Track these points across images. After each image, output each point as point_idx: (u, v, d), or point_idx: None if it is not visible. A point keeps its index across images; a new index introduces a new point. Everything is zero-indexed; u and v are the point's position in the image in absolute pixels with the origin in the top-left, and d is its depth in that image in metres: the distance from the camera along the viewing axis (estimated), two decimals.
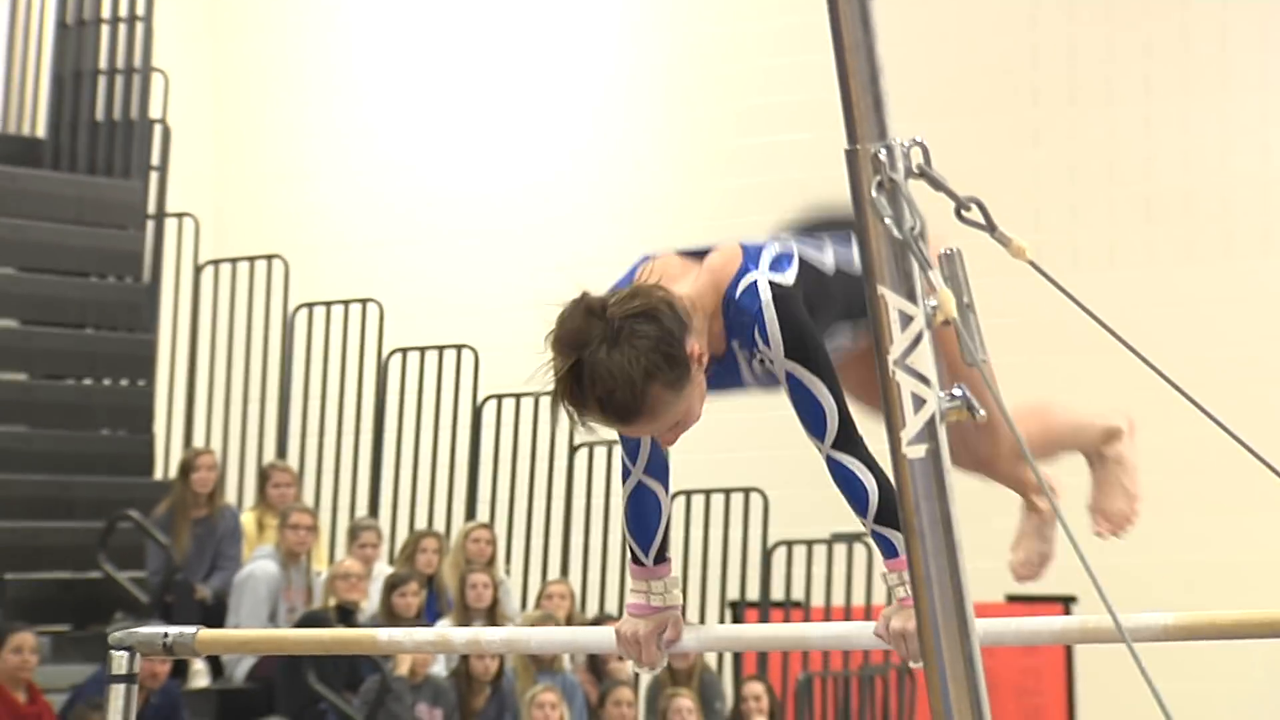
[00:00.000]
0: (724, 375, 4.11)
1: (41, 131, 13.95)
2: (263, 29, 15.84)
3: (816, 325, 4.08)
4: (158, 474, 13.47)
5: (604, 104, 15.02)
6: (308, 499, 13.61)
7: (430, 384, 14.27)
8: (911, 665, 4.15)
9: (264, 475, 13.20)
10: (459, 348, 14.28)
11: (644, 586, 4.31)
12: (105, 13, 13.87)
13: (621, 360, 3.85)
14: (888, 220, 2.62)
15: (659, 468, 4.24)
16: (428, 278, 15.05)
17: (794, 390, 4.02)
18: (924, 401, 2.57)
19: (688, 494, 13.51)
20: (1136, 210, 13.28)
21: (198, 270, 14.32)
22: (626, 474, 4.26)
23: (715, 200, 14.60)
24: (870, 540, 4.11)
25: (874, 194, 2.63)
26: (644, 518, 4.27)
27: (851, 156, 2.67)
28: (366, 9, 15.54)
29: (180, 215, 14.14)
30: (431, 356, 14.34)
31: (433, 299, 14.90)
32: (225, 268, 14.43)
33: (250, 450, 14.28)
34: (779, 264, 4.07)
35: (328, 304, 14.43)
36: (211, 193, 15.52)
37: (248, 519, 12.95)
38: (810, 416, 4.02)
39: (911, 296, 2.62)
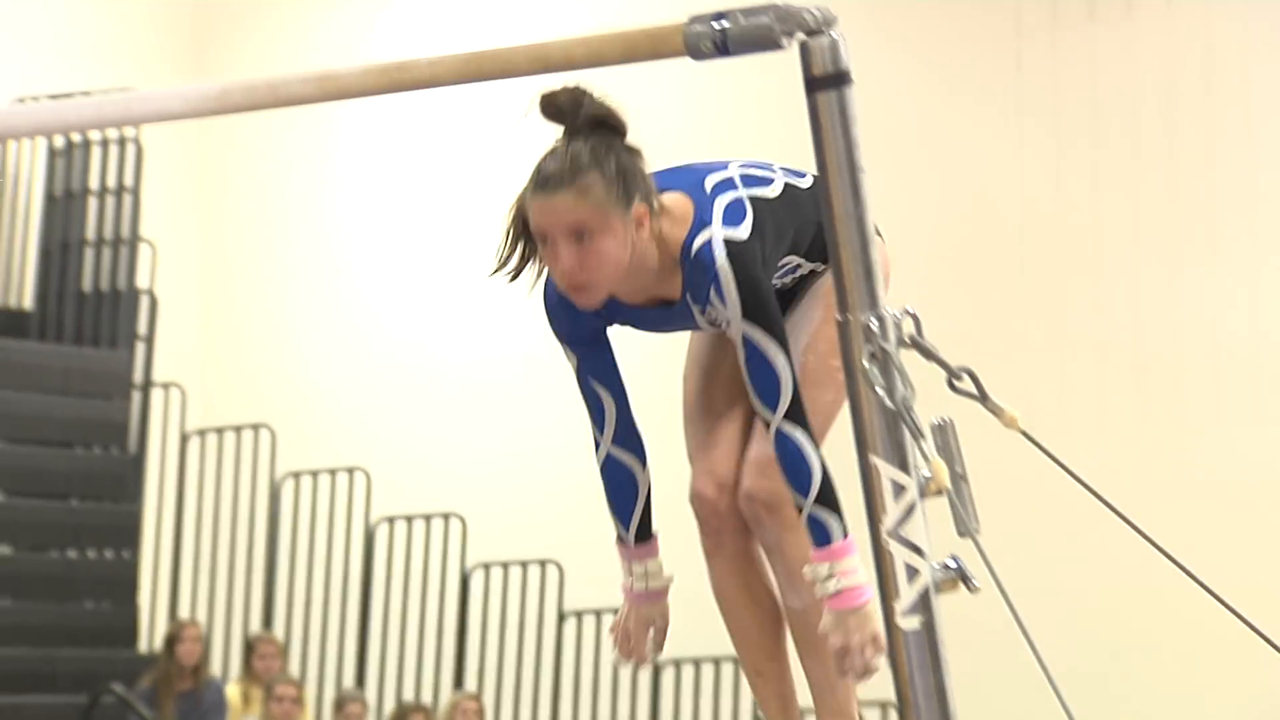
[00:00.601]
0: (675, 319, 4.11)
1: (29, 303, 13.97)
2: (250, 200, 15.88)
3: (769, 262, 4.06)
4: (142, 646, 13.40)
5: None
6: (293, 670, 13.54)
7: (418, 553, 14.23)
8: (856, 677, 3.95)
9: (249, 646, 13.14)
10: (447, 516, 14.25)
11: (627, 568, 4.29)
12: (94, 184, 13.93)
13: (580, 144, 3.90)
14: (879, 390, 2.63)
15: (629, 438, 4.23)
16: (415, 446, 15.01)
17: (750, 356, 3.96)
18: (917, 573, 2.57)
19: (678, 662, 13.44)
20: (1126, 379, 13.28)
21: (184, 440, 14.31)
22: (597, 447, 4.25)
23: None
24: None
25: (866, 364, 2.64)
26: (617, 491, 4.25)
27: (843, 327, 2.67)
28: (353, 182, 15.58)
29: (167, 385, 14.15)
30: (419, 525, 14.31)
31: (420, 467, 14.86)
32: (212, 437, 14.43)
33: (236, 621, 14.22)
34: (732, 216, 4.03)
35: (315, 473, 14.42)
36: (198, 362, 15.52)
37: (233, 691, 12.88)
38: (764, 384, 3.96)
39: (904, 466, 2.62)
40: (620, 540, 4.26)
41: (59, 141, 14.02)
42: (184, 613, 13.86)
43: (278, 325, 15.79)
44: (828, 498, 3.88)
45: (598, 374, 4.21)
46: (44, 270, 13.95)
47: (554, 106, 3.90)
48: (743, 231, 3.98)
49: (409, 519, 14.32)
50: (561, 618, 13.91)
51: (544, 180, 3.90)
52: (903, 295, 2.74)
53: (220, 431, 14.43)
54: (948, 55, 13.72)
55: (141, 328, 13.93)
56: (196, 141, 15.61)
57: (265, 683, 12.59)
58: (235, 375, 15.75)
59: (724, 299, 3.96)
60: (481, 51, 3.17)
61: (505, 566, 14.13)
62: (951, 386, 2.72)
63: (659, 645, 4.27)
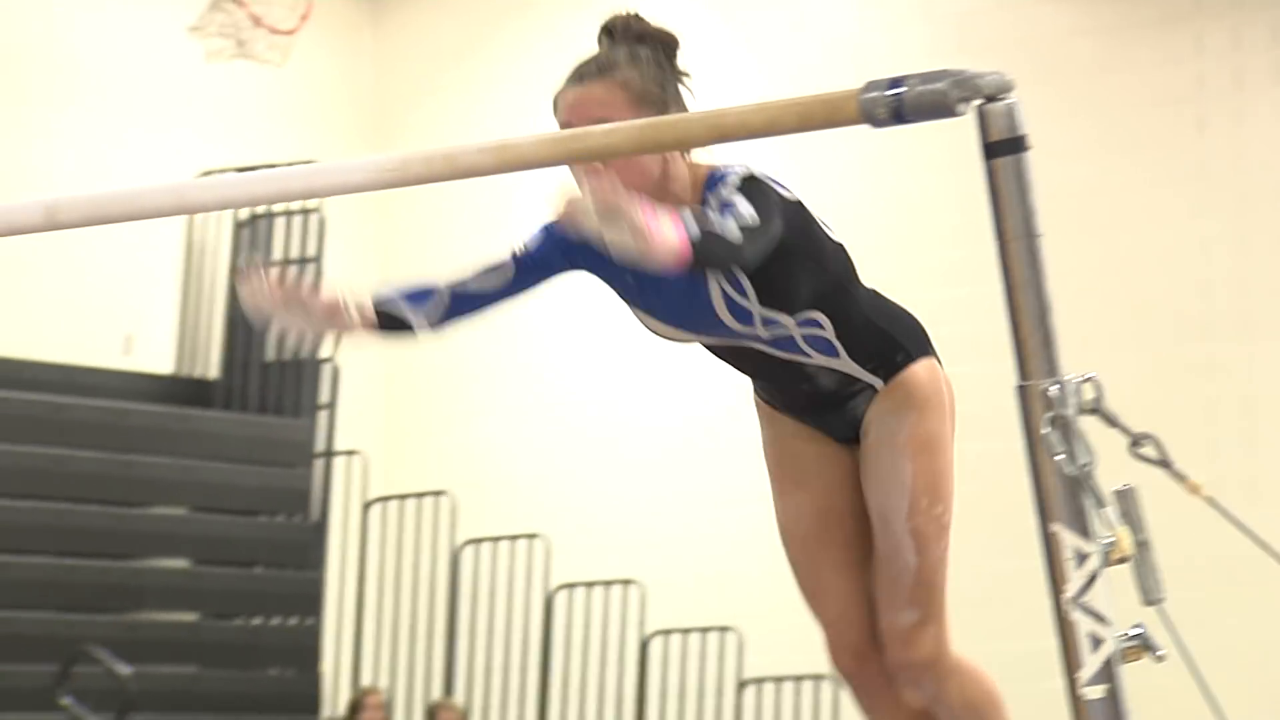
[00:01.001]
0: (688, 295, 3.98)
1: (214, 373, 14.09)
2: (429, 270, 15.92)
3: (788, 226, 3.89)
4: (325, 713, 13.45)
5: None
6: None
7: (597, 619, 14.22)
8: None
9: (431, 713, 13.16)
10: (625, 583, 14.23)
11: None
12: (278, 256, 14.04)
13: (620, 50, 3.91)
14: (1059, 457, 2.60)
15: (464, 302, 4.26)
16: (593, 513, 15.02)
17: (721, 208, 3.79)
18: (1102, 642, 2.53)
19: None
20: None
21: (365, 507, 14.37)
22: (444, 281, 4.20)
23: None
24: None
25: (1045, 431, 2.61)
26: (411, 299, 4.25)
27: (1022, 392, 2.65)
28: None
29: (349, 453, 14.21)
30: (598, 592, 14.30)
31: (599, 534, 14.86)
32: (393, 504, 14.48)
33: (417, 688, 14.25)
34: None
35: (494, 539, 14.44)
36: (380, 430, 15.59)
37: None
38: (723, 211, 3.78)
39: (1086, 533, 2.59)
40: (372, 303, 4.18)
41: (244, 214, 14.13)
42: (366, 679, 13.91)
43: (457, 393, 15.84)
44: (710, 242, 3.60)
45: (529, 268, 4.23)
46: (229, 341, 14.07)
47: (609, 31, 3.95)
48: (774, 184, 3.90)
49: (588, 585, 14.31)
50: (741, 685, 13.85)
51: (578, 73, 3.87)
52: (1083, 359, 2.71)
53: (401, 499, 14.48)
54: (1128, 117, 13.60)
55: (324, 397, 14.01)
56: (377, 212, 15.72)
57: None
58: (415, 443, 15.81)
59: (725, 181, 3.85)
60: (658, 120, 3.16)
61: (684, 633, 14.09)
62: (1134, 453, 2.68)
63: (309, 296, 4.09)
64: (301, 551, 13.65)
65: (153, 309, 14.28)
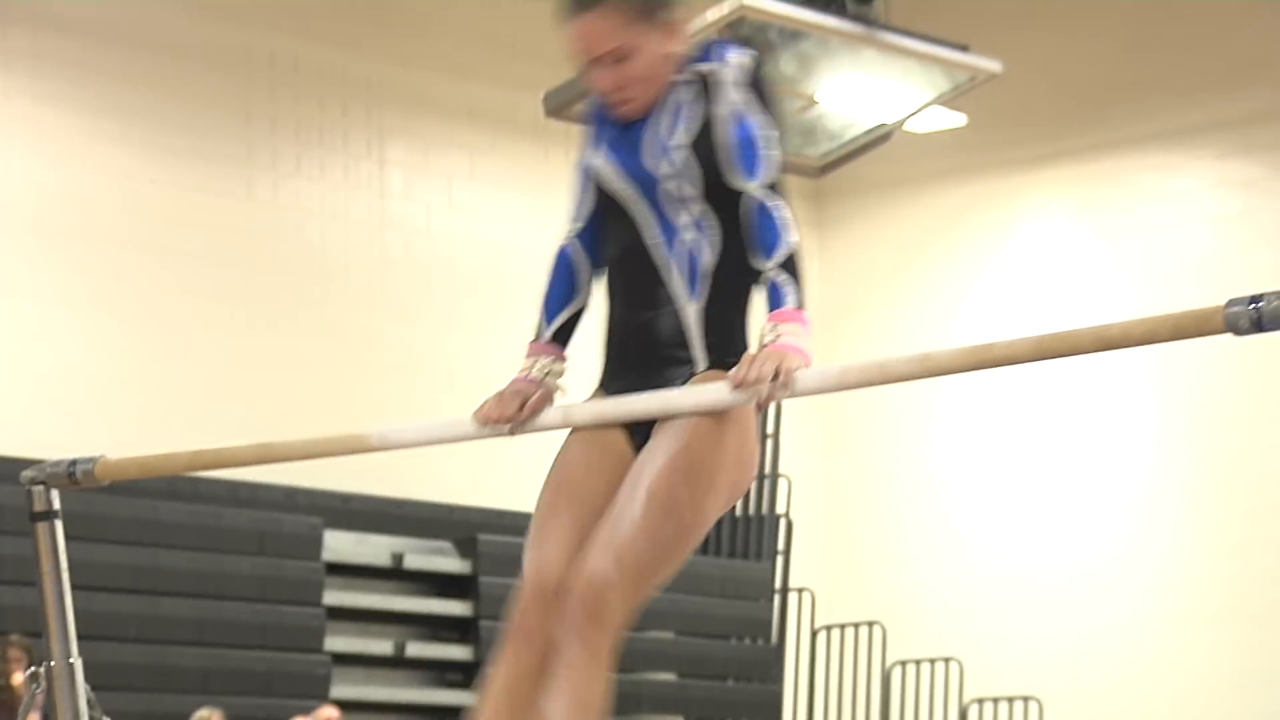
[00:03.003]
0: (647, 136, 3.45)
1: None
2: (865, 443, 15.89)
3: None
4: None
5: (1135, 498, 14.63)
6: None
7: None
8: (757, 397, 3.26)
9: None
10: (1026, 699, 13.91)
11: (530, 363, 3.52)
12: None
13: None
14: None
15: (592, 245, 3.53)
16: (1002, 637, 14.73)
17: (738, 126, 3.38)
18: None
19: None
20: None
21: (813, 634, 14.28)
22: (565, 234, 3.56)
23: (1222, 582, 14.08)
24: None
25: None
26: (562, 286, 3.53)
27: None
28: (947, 426, 15.48)
29: (800, 590, 14.14)
30: (1004, 706, 14.01)
31: (1006, 656, 14.57)
32: (835, 632, 14.37)
33: None
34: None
35: (918, 661, 14.24)
36: (824, 570, 15.50)
37: None
38: (748, 154, 3.38)
39: None
40: (534, 339, 3.54)
41: None
42: None
43: (888, 538, 15.72)
44: (791, 267, 3.31)
45: (584, 184, 3.57)
46: None
47: None
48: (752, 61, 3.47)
49: (995, 701, 14.03)
50: None
51: (573, 2, 3.42)
52: None
53: (842, 627, 14.37)
54: None
55: (780, 544, 13.98)
56: (820, 399, 15.69)
57: None
58: (853, 580, 15.69)
59: (726, 60, 3.44)
60: (1052, 334, 3.06)
61: None
62: None
63: (527, 414, 3.48)
64: (764, 670, 13.58)
65: None
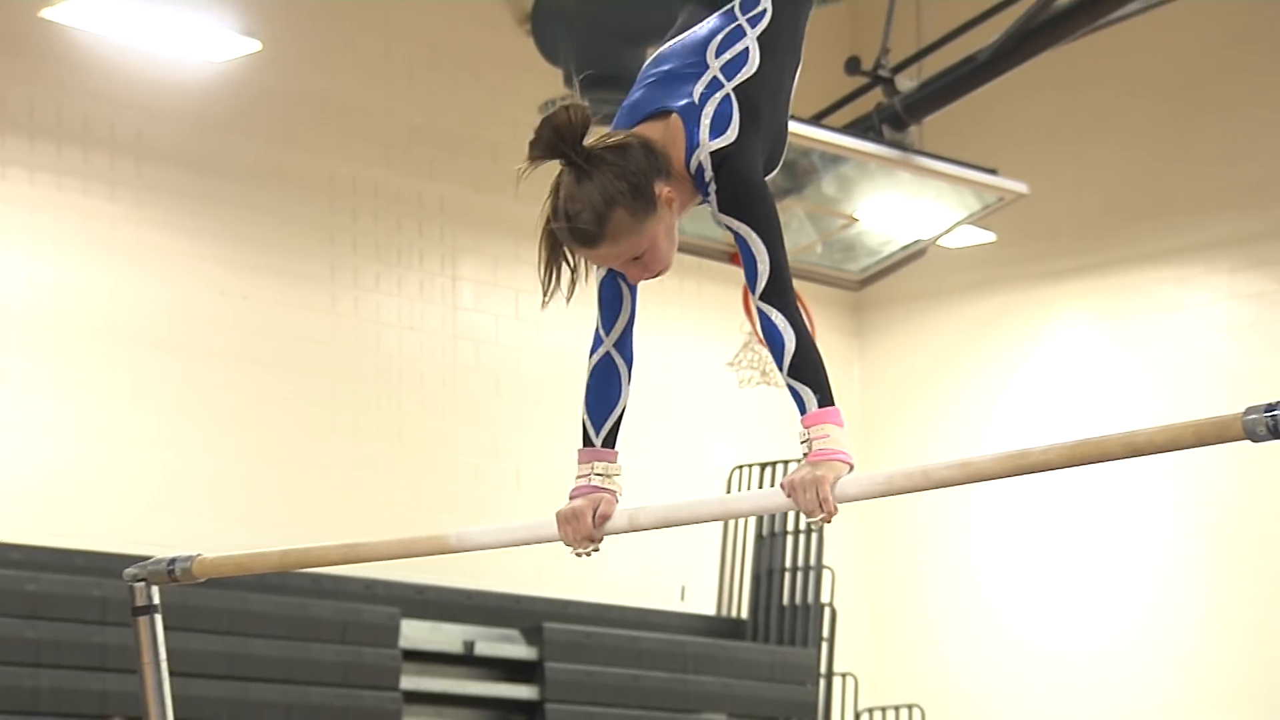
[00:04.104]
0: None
1: (745, 613, 14.07)
2: (905, 535, 15.81)
3: (765, 136, 3.29)
4: None
5: (1156, 587, 14.51)
6: None
7: None
8: (806, 519, 3.20)
9: None
10: None
11: (587, 469, 3.42)
12: (790, 526, 14.03)
13: (590, 187, 3.19)
14: None
15: (627, 348, 3.50)
16: (1034, 719, 14.59)
17: (736, 239, 3.26)
18: None
19: None
20: None
21: (857, 716, 14.15)
22: (597, 345, 3.50)
23: (1237, 666, 13.92)
24: None
25: None
26: (605, 393, 3.48)
27: None
28: (981, 523, 15.39)
29: (844, 674, 14.03)
30: None
31: None
32: (878, 714, 14.24)
33: None
34: (719, 123, 3.27)
35: None
36: (867, 656, 15.38)
37: None
38: (746, 265, 3.24)
39: None
40: (585, 445, 3.45)
41: None
42: None
43: (927, 625, 15.60)
44: (800, 370, 3.22)
45: (610, 287, 3.49)
46: (755, 589, 14.05)
47: (555, 133, 3.25)
48: (730, 134, 3.27)
49: None
50: None
51: (582, 237, 3.24)
52: None
53: (884, 710, 14.24)
54: None
55: (825, 631, 13.89)
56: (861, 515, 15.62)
57: None
58: (894, 665, 15.57)
59: (708, 196, 3.28)
60: (1084, 440, 3.04)
61: None
62: None
63: (600, 523, 3.37)
64: None
65: (701, 563, 14.35)
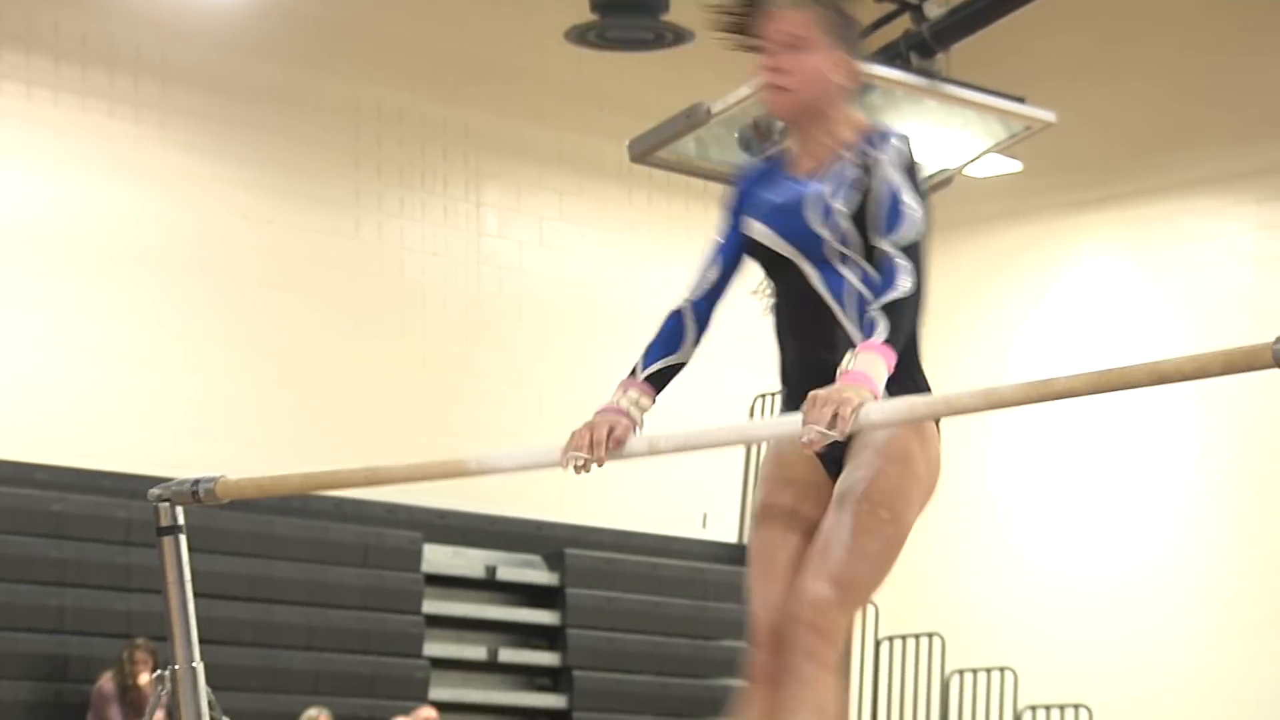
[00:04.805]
0: (799, 203, 3.47)
1: None
2: None
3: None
4: None
5: (1178, 515, 14.51)
6: None
7: None
8: (804, 437, 3.19)
9: None
10: (1076, 706, 13.79)
11: (620, 394, 3.46)
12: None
13: None
14: None
15: (704, 313, 3.59)
16: (1055, 649, 14.60)
17: (887, 191, 3.37)
18: None
19: None
20: None
21: (877, 644, 14.19)
22: (678, 300, 3.59)
23: (1260, 596, 13.94)
24: None
25: None
26: (666, 340, 3.54)
27: None
28: (1001, 452, 15.38)
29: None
30: (1055, 713, 13.88)
31: (1059, 666, 14.43)
32: (898, 642, 14.28)
33: None
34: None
35: (975, 670, 14.13)
36: (887, 585, 15.30)
37: None
38: (891, 213, 3.35)
39: None
40: (629, 375, 3.50)
41: None
42: None
43: (947, 554, 15.57)
44: (893, 309, 3.28)
45: (727, 246, 3.58)
46: None
47: None
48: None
49: (1047, 708, 13.90)
50: None
51: None
52: None
53: (903, 638, 14.28)
54: None
55: None
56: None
57: None
58: (914, 594, 15.55)
59: (887, 149, 3.42)
60: (1111, 370, 3.02)
61: None
62: None
63: (614, 444, 3.40)
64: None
65: (723, 491, 14.36)
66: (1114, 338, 14.62)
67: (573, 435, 3.41)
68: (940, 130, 14.12)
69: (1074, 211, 15.22)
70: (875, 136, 3.47)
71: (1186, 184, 14.66)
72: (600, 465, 3.40)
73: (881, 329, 3.27)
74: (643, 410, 3.45)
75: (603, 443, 3.38)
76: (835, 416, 3.17)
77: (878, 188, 3.40)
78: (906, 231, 3.35)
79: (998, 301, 15.55)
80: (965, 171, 14.66)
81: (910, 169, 3.44)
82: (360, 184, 13.11)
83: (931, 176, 14.74)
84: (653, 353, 3.54)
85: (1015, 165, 15.04)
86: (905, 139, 3.47)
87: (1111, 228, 15.10)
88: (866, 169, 3.45)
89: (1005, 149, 14.47)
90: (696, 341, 3.59)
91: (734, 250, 3.58)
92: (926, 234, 3.40)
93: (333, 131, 13.02)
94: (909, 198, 3.38)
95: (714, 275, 3.59)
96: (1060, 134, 14.03)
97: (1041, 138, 14.02)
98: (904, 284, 3.31)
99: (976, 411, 3.10)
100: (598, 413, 3.47)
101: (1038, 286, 15.44)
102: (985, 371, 14.25)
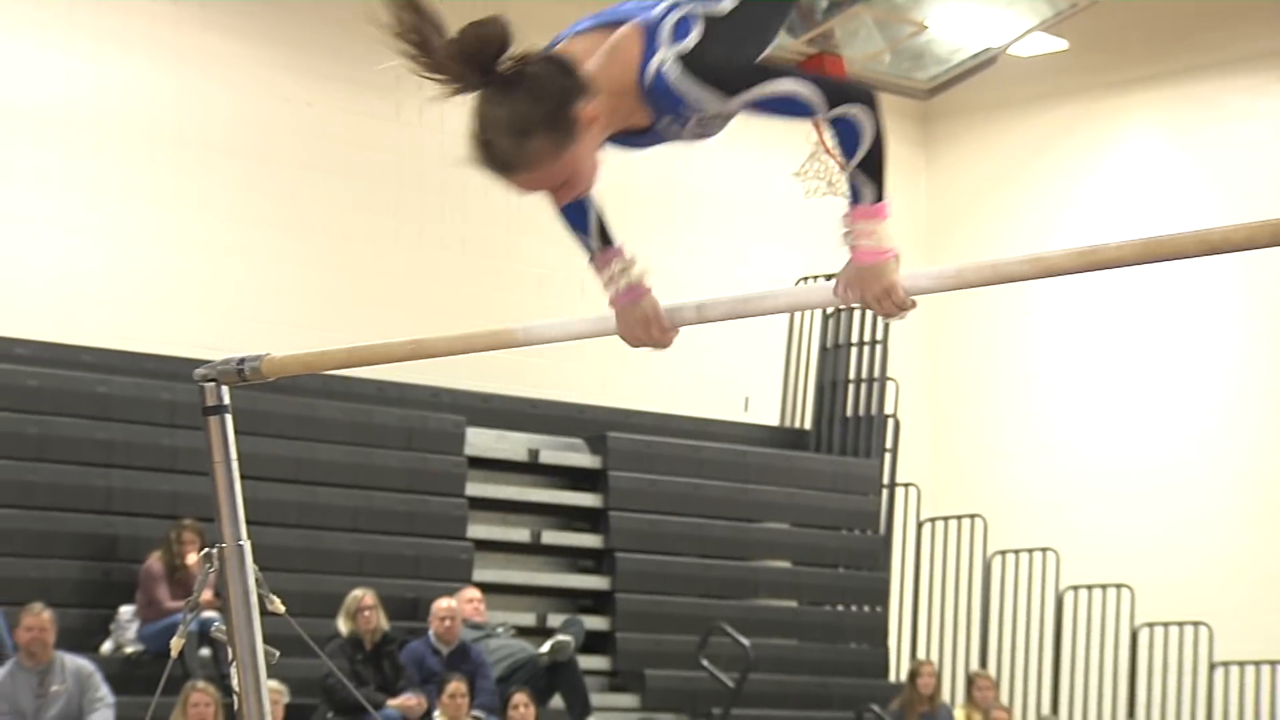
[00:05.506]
0: (650, 139, 3.10)
1: (808, 424, 14.11)
2: (965, 349, 15.78)
3: (736, 47, 3.02)
4: (892, 678, 13.32)
5: (1222, 397, 14.47)
6: (1004, 699, 13.28)
7: (1096, 614, 13.88)
8: (883, 317, 3.07)
9: (970, 681, 12.92)
10: (1119, 586, 13.82)
11: (605, 276, 3.22)
12: (854, 338, 14.02)
13: (503, 112, 2.93)
14: None
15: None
16: (1096, 530, 14.63)
17: (763, 109, 2.98)
18: None
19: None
20: None
21: (919, 526, 14.23)
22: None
23: None
24: None
25: None
26: (574, 220, 3.22)
27: None
28: (1043, 336, 15.34)
29: (906, 485, 14.09)
30: (1097, 594, 13.93)
31: (1100, 547, 14.47)
32: (940, 524, 14.32)
33: (959, 661, 14.04)
34: (680, 31, 3.01)
35: (1016, 552, 14.17)
36: (929, 467, 15.43)
37: (959, 715, 12.66)
38: (790, 111, 2.98)
39: None
40: (590, 259, 3.26)
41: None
42: (921, 654, 13.73)
43: (989, 436, 15.63)
44: (869, 164, 3.01)
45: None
46: (819, 401, 14.08)
47: (468, 52, 2.98)
48: (691, 40, 2.99)
49: (1089, 588, 13.95)
50: (1212, 668, 13.34)
51: (504, 165, 2.95)
52: None
53: (945, 520, 14.31)
54: None
55: (888, 443, 13.92)
56: (924, 307, 15.59)
57: (983, 709, 12.35)
58: (956, 476, 15.62)
59: (699, 104, 3.01)
60: (1159, 237, 2.98)
61: (1165, 627, 13.62)
62: None
63: (656, 319, 3.19)
64: (873, 558, 13.56)
65: (765, 375, 14.38)
66: (1158, 218, 14.53)
67: (633, 329, 3.22)
68: (985, 8, 13.97)
69: (1118, 91, 15.08)
70: (653, 88, 3.03)
71: (1231, 61, 14.50)
72: (665, 344, 3.22)
73: (868, 191, 3.06)
74: (637, 270, 3.23)
75: (658, 320, 3.20)
76: (886, 292, 3.04)
77: (739, 112, 3.06)
78: (811, 100, 2.98)
79: (1042, 182, 15.46)
80: (1010, 51, 14.54)
81: (707, 74, 3.00)
82: (401, 67, 13.04)
83: (976, 56, 14.61)
84: (580, 229, 3.27)
85: (1060, 44, 14.89)
86: (677, 61, 3.01)
87: (1155, 107, 14.97)
88: (688, 117, 3.09)
89: (1050, 27, 14.32)
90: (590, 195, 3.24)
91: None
92: (778, 67, 3.03)
93: (373, 13, 12.94)
94: (764, 89, 2.98)
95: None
96: (1105, 10, 13.90)
97: (1086, 15, 13.88)
98: (865, 135, 3.01)
99: (1025, 279, 3.06)
100: (616, 301, 3.26)
101: (1082, 166, 15.33)
102: (1029, 249, 14.18)
